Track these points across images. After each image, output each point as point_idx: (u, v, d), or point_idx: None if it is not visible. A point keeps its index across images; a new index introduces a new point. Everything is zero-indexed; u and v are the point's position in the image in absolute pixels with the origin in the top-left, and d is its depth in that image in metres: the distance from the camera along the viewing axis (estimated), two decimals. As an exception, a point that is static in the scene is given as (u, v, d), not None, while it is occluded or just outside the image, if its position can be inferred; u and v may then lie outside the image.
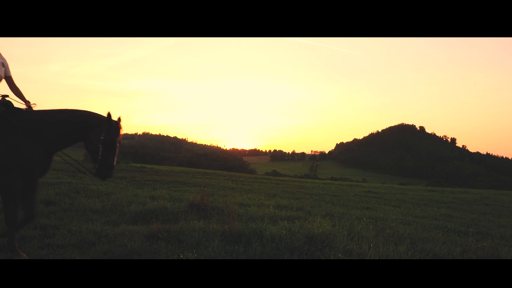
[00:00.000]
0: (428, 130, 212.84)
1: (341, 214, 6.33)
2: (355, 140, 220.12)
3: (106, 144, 3.10)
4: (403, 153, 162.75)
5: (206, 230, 4.01)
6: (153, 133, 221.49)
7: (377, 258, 3.30)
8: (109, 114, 3.14)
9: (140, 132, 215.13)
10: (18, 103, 3.34)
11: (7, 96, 3.29)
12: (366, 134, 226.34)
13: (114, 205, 5.57)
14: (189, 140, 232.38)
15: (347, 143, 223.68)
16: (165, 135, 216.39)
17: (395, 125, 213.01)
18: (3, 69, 3.35)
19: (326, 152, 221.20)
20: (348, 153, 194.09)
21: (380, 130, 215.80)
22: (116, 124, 3.18)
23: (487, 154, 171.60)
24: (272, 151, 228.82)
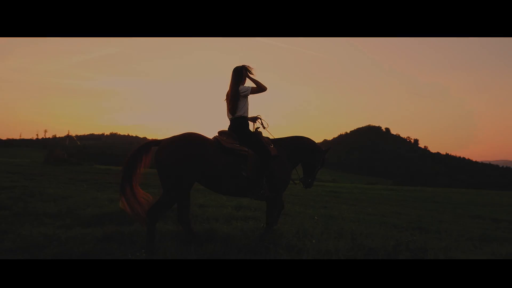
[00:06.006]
0: (393, 131, 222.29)
1: (298, 213, 6.67)
2: (325, 141, 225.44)
3: (321, 166, 4.32)
4: (370, 154, 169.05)
5: (161, 231, 4.15)
6: (122, 133, 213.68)
7: (316, 253, 3.62)
8: (323, 148, 4.36)
9: (107, 132, 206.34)
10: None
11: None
12: (336, 135, 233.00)
13: (70, 208, 5.50)
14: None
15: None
16: (134, 135, 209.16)
17: (363, 127, 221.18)
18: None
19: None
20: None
21: (348, 132, 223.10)
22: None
23: (447, 154, 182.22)
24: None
